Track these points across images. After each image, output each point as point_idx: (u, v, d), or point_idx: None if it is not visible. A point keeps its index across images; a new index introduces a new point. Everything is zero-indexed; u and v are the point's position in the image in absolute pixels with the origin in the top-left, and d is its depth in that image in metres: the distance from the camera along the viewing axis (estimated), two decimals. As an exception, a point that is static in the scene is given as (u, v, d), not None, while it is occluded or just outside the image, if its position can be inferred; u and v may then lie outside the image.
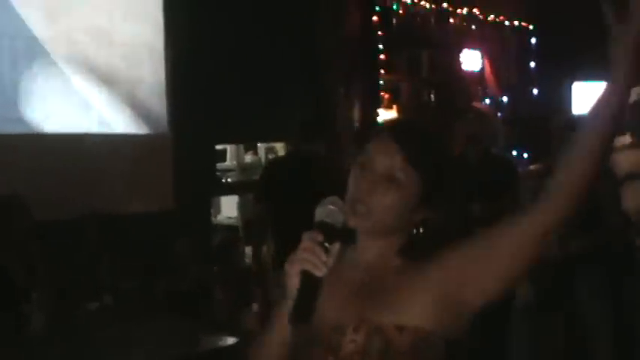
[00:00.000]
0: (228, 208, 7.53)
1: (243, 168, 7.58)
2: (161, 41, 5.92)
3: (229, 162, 7.59)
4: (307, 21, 6.65)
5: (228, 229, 7.15)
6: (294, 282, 1.59)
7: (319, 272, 1.57)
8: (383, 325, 1.63)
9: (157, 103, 5.92)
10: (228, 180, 7.20)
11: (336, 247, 1.61)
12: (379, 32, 7.54)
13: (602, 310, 4.56)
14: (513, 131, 8.38)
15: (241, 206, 7.27)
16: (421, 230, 1.72)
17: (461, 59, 8.42)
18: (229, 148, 7.53)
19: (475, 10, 8.54)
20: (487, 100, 8.55)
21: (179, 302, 4.69)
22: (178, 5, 5.87)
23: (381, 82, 7.69)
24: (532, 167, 5.20)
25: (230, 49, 6.07)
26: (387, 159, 1.67)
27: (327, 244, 1.59)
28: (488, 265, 1.62)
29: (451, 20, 8.37)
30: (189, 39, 5.82)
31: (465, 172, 4.98)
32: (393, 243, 1.72)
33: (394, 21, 7.77)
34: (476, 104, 5.69)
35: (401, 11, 7.85)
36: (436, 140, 1.75)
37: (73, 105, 5.44)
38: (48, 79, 5.28)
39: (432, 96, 8.23)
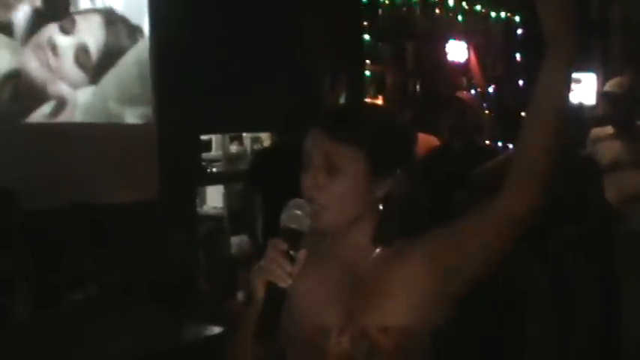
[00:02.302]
0: (214, 198, 7.51)
1: (228, 158, 7.55)
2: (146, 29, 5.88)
3: (215, 152, 7.56)
4: (294, 11, 6.62)
5: (214, 219, 7.13)
6: (259, 293, 1.54)
7: (283, 283, 1.51)
8: (367, 327, 1.61)
9: (142, 93, 5.87)
10: (214, 170, 7.18)
11: (303, 253, 1.55)
12: (365, 23, 7.52)
13: None
14: (499, 123, 8.39)
15: (227, 196, 7.25)
16: (385, 207, 1.66)
17: (446, 50, 8.43)
18: (214, 139, 7.50)
19: (462, 2, 8.55)
20: (472, 91, 8.56)
21: (164, 293, 4.67)
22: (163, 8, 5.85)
23: (367, 72, 7.69)
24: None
25: (215, 39, 6.04)
26: (322, 147, 1.61)
27: (292, 252, 1.53)
28: (465, 254, 1.60)
29: (437, 11, 8.37)
30: (174, 28, 5.79)
31: (448, 162, 5.00)
32: (364, 228, 1.67)
33: (380, 11, 7.76)
34: (460, 94, 5.68)
35: (387, 1, 7.84)
36: (366, 111, 1.73)
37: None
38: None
39: (418, 87, 8.24)
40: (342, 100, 7.29)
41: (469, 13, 8.65)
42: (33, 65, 5.24)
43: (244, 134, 7.72)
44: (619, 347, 4.74)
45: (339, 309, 1.65)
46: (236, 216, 5.84)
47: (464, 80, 8.55)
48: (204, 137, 7.14)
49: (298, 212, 1.56)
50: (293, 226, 1.55)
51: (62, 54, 5.38)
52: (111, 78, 5.67)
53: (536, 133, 1.52)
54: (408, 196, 1.67)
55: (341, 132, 1.61)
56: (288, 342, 1.67)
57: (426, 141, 6.22)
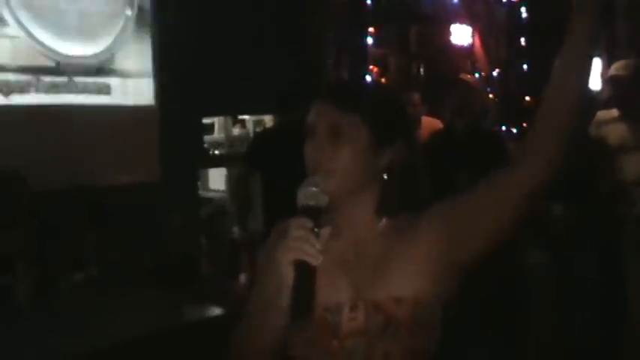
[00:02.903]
0: (216, 181, 7.51)
1: (231, 141, 7.55)
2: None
3: (217, 135, 7.55)
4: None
5: (216, 202, 7.13)
6: (287, 272, 1.51)
7: (315, 261, 1.49)
8: (380, 299, 1.62)
9: (143, 74, 5.86)
10: (216, 153, 7.17)
11: (327, 230, 1.55)
12: (368, 3, 7.49)
13: None
14: (503, 107, 8.38)
15: (229, 179, 7.24)
16: (388, 178, 1.69)
17: (450, 33, 8.39)
18: (217, 121, 7.49)
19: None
20: (476, 75, 8.52)
21: (166, 275, 4.67)
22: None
23: (370, 55, 7.66)
24: None
25: (217, 21, 6.02)
26: (327, 117, 1.65)
27: (317, 230, 1.52)
28: (474, 225, 1.63)
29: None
30: (176, 9, 5.77)
31: (450, 144, 4.98)
32: (368, 200, 1.69)
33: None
34: (464, 77, 5.64)
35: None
36: (367, 83, 1.78)
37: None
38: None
39: (422, 70, 8.20)
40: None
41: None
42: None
43: (247, 117, 7.71)
44: (621, 338, 4.72)
45: (349, 285, 1.66)
46: (233, 199, 5.82)
47: (468, 64, 8.51)
48: (206, 120, 7.13)
49: (314, 189, 1.56)
50: (312, 203, 1.55)
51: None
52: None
53: (558, 112, 1.56)
54: (409, 167, 1.70)
55: (344, 101, 1.65)
56: (294, 328, 1.63)
57: (429, 124, 6.21)
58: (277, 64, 6.46)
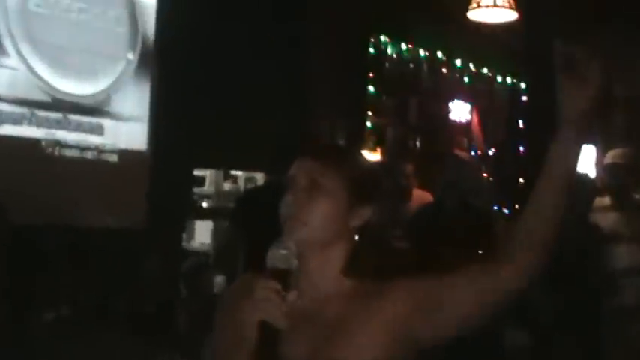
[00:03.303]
0: (202, 234, 7.44)
1: (220, 195, 7.50)
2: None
3: (207, 188, 7.51)
4: (299, 53, 6.63)
5: (201, 254, 7.05)
6: (251, 332, 1.51)
7: (280, 324, 1.50)
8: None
9: (138, 119, 5.85)
10: (204, 205, 7.13)
11: (294, 294, 1.54)
12: (370, 74, 7.54)
13: None
14: (497, 187, 8.38)
15: (215, 233, 7.18)
16: (360, 238, 1.70)
17: (449, 109, 8.43)
18: (208, 175, 7.46)
19: (470, 64, 8.57)
20: (472, 153, 8.55)
21: (140, 321, 4.58)
22: (168, 24, 5.85)
23: (369, 123, 7.69)
24: None
25: (218, 75, 6.03)
26: (306, 170, 1.69)
27: (284, 293, 1.52)
28: (443, 307, 1.61)
29: (444, 70, 8.39)
30: (178, 58, 5.80)
31: (438, 219, 4.94)
32: (336, 258, 1.69)
33: (386, 65, 7.78)
34: (458, 152, 5.64)
35: (394, 55, 7.87)
36: (347, 148, 1.81)
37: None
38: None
39: (418, 142, 8.21)
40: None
41: (475, 75, 8.67)
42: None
43: (239, 173, 7.68)
44: None
45: (307, 342, 1.63)
46: (216, 253, 5.75)
47: (465, 140, 8.53)
48: (198, 173, 7.10)
49: (284, 252, 1.56)
50: (281, 266, 1.54)
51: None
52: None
53: (543, 208, 1.56)
54: (380, 231, 1.73)
55: (326, 156, 1.72)
56: None
57: (420, 197, 6.17)
58: (274, 123, 6.46)
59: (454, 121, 8.50)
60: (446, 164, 5.25)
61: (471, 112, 8.63)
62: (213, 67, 6.00)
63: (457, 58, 8.42)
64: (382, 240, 1.82)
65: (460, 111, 8.56)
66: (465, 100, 8.56)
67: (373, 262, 1.71)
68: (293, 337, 1.61)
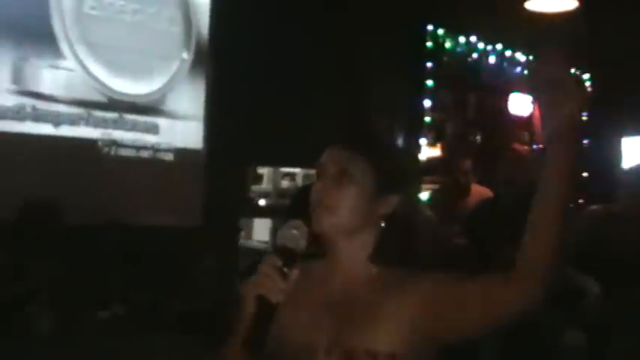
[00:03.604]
0: (261, 232, 7.44)
1: (278, 193, 7.49)
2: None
3: (265, 185, 7.50)
4: (351, 48, 6.57)
5: (259, 253, 7.05)
6: (249, 305, 1.59)
7: (275, 298, 1.57)
8: (356, 349, 1.63)
9: (193, 117, 5.88)
10: (262, 203, 7.11)
11: (296, 273, 1.61)
12: (428, 67, 7.44)
13: None
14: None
15: (273, 231, 7.17)
16: (387, 226, 1.73)
17: (510, 103, 8.27)
18: (266, 172, 7.46)
19: (529, 56, 8.39)
20: (534, 146, 8.37)
21: (193, 321, 4.59)
22: (222, 22, 5.85)
23: (427, 118, 7.59)
24: (593, 207, 4.95)
25: (273, 71, 6.02)
26: (336, 158, 1.73)
27: (286, 270, 1.58)
28: (459, 311, 1.63)
29: (503, 63, 8.24)
30: (232, 56, 5.80)
31: (496, 215, 4.84)
32: (363, 245, 1.73)
33: (445, 58, 7.67)
34: (517, 147, 5.52)
35: (452, 49, 7.75)
36: (381, 134, 1.94)
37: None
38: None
39: (478, 138, 8.08)
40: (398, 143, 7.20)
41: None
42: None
43: (297, 170, 7.66)
44: None
45: (329, 328, 1.68)
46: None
47: (526, 135, 8.36)
48: (256, 171, 7.09)
49: (295, 232, 1.63)
50: (289, 245, 1.61)
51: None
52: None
53: (541, 238, 1.55)
54: (407, 219, 1.76)
55: (356, 145, 1.74)
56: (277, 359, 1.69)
57: (479, 192, 6.07)
58: (330, 122, 6.41)
59: (515, 115, 8.34)
60: (504, 159, 5.14)
61: (532, 105, 8.44)
62: (269, 64, 5.98)
63: (517, 49, 8.25)
64: (410, 228, 1.77)
65: (521, 104, 8.39)
66: (526, 93, 8.38)
67: (398, 250, 1.73)
68: (316, 322, 1.70)
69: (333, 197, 1.69)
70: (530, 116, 8.48)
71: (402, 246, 1.74)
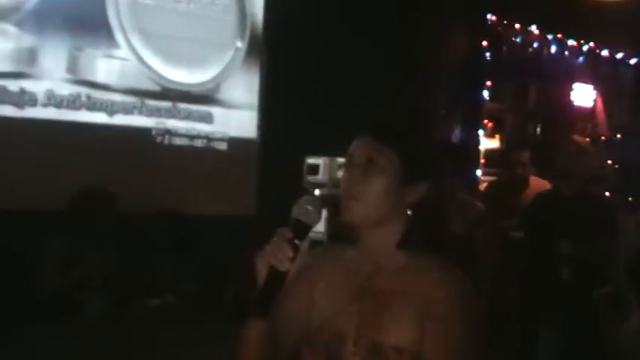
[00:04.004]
0: (316, 222, 7.41)
1: (334, 183, 7.43)
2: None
3: (321, 176, 7.46)
4: (408, 38, 6.47)
5: (314, 243, 7.02)
6: (260, 273, 1.67)
7: (282, 267, 1.64)
8: (382, 343, 1.66)
9: (247, 106, 5.87)
10: (317, 193, 7.08)
11: (306, 244, 1.69)
12: (487, 57, 7.31)
13: None
14: (621, 174, 8.00)
15: (329, 220, 7.12)
16: (413, 214, 1.75)
17: (572, 94, 8.08)
18: (322, 162, 7.41)
19: (592, 45, 8.20)
20: (602, 138, 8.18)
21: (245, 311, 4.56)
22: (278, 15, 5.82)
23: (485, 109, 7.47)
24: None
25: (329, 66, 5.96)
26: (364, 149, 1.74)
27: (297, 242, 1.66)
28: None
29: (565, 52, 8.05)
30: (287, 45, 5.76)
31: (555, 208, 4.72)
32: (391, 233, 1.75)
33: (504, 48, 7.53)
34: (575, 138, 5.36)
35: (513, 38, 7.61)
36: (407, 124, 1.84)
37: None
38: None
39: (538, 129, 7.92)
40: (455, 135, 7.11)
41: (599, 57, 8.27)
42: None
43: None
44: None
45: (357, 317, 1.71)
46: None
47: (588, 126, 8.16)
48: (312, 161, 7.06)
49: (309, 207, 1.69)
50: (302, 219, 1.68)
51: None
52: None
53: None
54: (434, 207, 1.81)
55: (383, 135, 1.75)
56: (307, 345, 1.75)
57: (537, 184, 5.94)
58: (386, 112, 6.34)
59: (577, 106, 8.14)
60: (563, 152, 5.01)
61: (595, 96, 8.24)
62: (324, 52, 5.93)
63: (578, 39, 8.05)
64: (438, 216, 1.79)
65: (583, 95, 8.19)
66: (589, 84, 8.18)
67: (426, 238, 1.76)
68: (346, 311, 1.72)
69: (361, 187, 1.71)
70: (593, 108, 8.28)
71: (429, 234, 1.77)
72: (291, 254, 1.64)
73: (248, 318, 1.71)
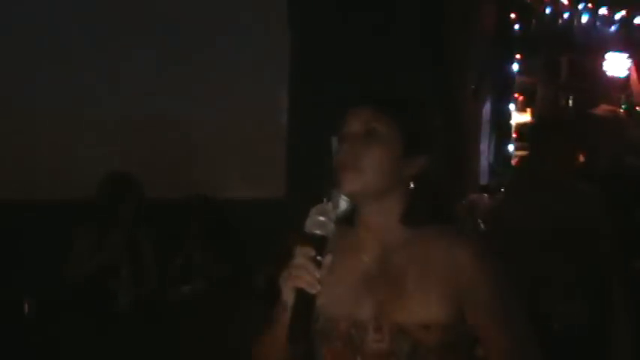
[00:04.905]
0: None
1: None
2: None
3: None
4: (435, 15, 6.38)
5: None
6: (288, 297, 1.57)
7: (313, 290, 1.54)
8: (406, 324, 1.61)
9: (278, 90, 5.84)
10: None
11: (328, 258, 1.57)
12: (516, 29, 7.18)
13: None
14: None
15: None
16: (416, 186, 1.69)
17: (604, 64, 7.91)
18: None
19: (625, 13, 8.00)
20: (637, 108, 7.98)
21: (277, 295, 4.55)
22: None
23: (516, 83, 7.35)
24: None
25: (355, 44, 5.90)
26: (360, 117, 1.68)
27: (319, 258, 1.55)
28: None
29: (597, 22, 7.87)
30: (311, 28, 5.72)
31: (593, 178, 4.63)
32: (393, 207, 1.69)
33: (534, 20, 7.38)
34: (603, 108, 5.21)
35: (542, 9, 7.45)
36: (406, 92, 1.80)
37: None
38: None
39: (570, 102, 7.77)
40: (486, 110, 7.03)
41: (633, 25, 8.07)
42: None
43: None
44: None
45: (373, 302, 1.66)
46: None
47: (622, 97, 7.98)
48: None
49: (322, 219, 1.59)
50: (318, 232, 1.57)
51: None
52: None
53: None
54: (437, 179, 1.72)
55: (381, 103, 1.70)
56: (323, 339, 1.69)
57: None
58: (415, 88, 6.26)
59: (610, 77, 7.97)
60: (588, 125, 4.92)
61: (630, 65, 8.05)
62: (348, 32, 5.87)
63: (610, 7, 7.86)
64: (442, 189, 1.75)
65: (617, 64, 8.00)
66: (622, 53, 7.99)
67: (430, 210, 1.69)
68: (358, 298, 1.67)
69: (360, 157, 1.64)
70: (627, 77, 8.10)
71: (433, 205, 1.69)
72: (317, 274, 1.54)
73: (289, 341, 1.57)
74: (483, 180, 6.84)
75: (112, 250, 4.14)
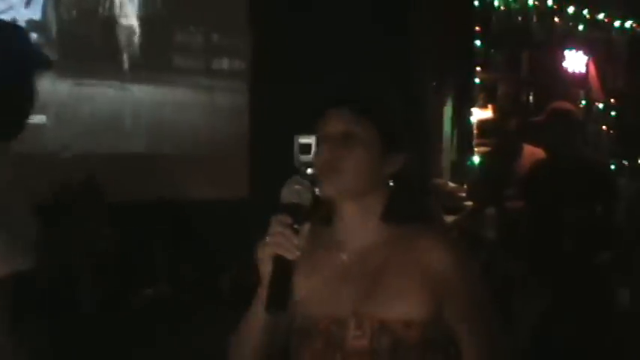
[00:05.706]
0: (310, 201, 7.39)
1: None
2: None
3: (313, 155, 7.43)
4: (401, 12, 6.40)
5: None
6: (266, 267, 1.57)
7: (291, 255, 1.55)
8: (388, 320, 1.62)
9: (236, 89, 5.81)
10: (308, 172, 7.05)
11: (306, 227, 1.60)
12: (477, 28, 7.24)
13: None
14: (618, 139, 7.97)
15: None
16: (395, 185, 1.71)
17: (564, 60, 8.02)
18: (314, 141, 7.37)
19: (583, 10, 8.11)
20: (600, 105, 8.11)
21: (243, 297, 4.52)
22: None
23: (477, 80, 7.41)
24: None
25: (318, 37, 5.88)
26: (338, 120, 1.68)
27: (296, 226, 1.56)
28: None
29: (556, 19, 7.97)
30: (276, 28, 5.69)
31: (555, 176, 4.68)
32: (373, 205, 1.70)
33: (494, 18, 7.46)
34: (560, 105, 5.22)
35: (502, 7, 7.53)
36: (383, 89, 1.78)
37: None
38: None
39: (531, 98, 7.87)
40: (447, 106, 7.06)
41: (591, 22, 8.19)
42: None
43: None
44: None
45: (352, 298, 1.66)
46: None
47: (581, 93, 8.10)
48: (304, 141, 7.01)
49: (298, 187, 1.61)
50: (295, 200, 1.59)
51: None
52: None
53: None
54: (416, 176, 1.76)
55: (361, 104, 1.69)
56: (302, 338, 1.68)
57: (532, 153, 5.90)
58: (381, 87, 6.25)
59: (569, 73, 8.07)
60: (552, 119, 4.96)
61: (588, 62, 8.17)
62: (314, 26, 5.84)
63: (569, 5, 7.97)
64: (419, 185, 1.81)
65: (575, 61, 8.11)
66: (581, 49, 8.10)
67: (410, 208, 1.71)
68: (338, 294, 1.66)
69: (339, 159, 1.65)
70: (585, 74, 8.21)
71: (413, 203, 1.72)
72: (296, 241, 1.55)
73: (266, 314, 1.59)
74: (446, 177, 6.90)
75: (73, 253, 4.08)
